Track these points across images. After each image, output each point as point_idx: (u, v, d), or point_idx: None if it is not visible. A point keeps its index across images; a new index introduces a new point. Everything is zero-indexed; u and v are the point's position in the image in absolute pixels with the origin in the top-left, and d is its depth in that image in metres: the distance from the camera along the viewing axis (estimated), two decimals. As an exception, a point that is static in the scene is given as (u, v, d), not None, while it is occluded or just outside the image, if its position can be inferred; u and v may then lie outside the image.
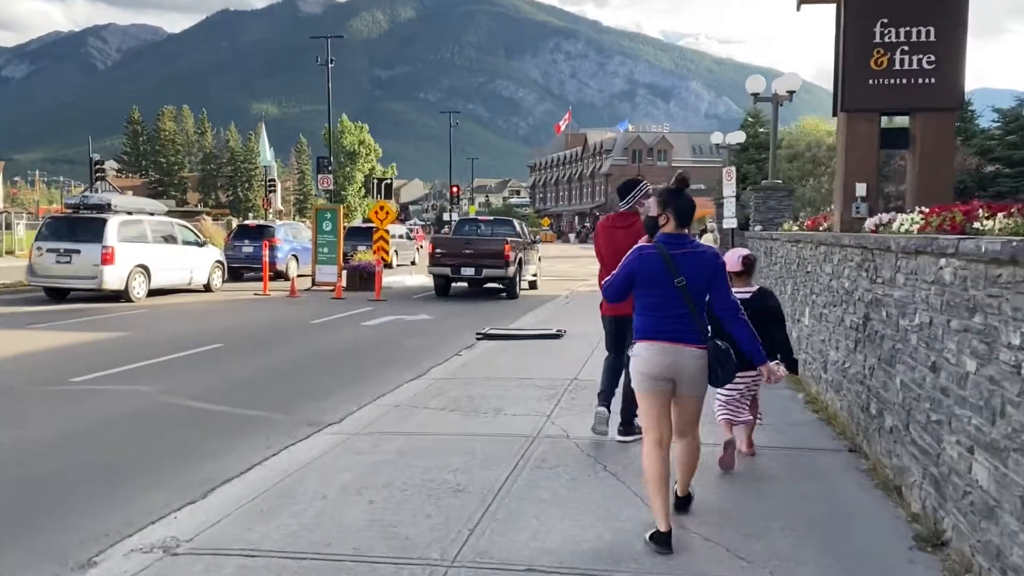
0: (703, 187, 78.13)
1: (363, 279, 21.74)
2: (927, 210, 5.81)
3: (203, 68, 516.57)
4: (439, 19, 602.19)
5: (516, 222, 23.09)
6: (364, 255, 23.56)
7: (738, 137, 22.86)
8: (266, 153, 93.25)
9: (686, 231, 4.28)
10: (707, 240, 20.52)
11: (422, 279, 26.67)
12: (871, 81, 8.23)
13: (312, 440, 6.48)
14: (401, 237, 35.18)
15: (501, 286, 20.01)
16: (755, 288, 5.91)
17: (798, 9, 9.61)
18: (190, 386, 8.97)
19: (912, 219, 6.06)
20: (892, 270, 5.15)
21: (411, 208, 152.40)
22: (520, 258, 20.09)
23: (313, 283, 22.26)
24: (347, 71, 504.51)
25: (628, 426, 6.19)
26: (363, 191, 79.23)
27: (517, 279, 19.93)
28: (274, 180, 51.88)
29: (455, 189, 61.38)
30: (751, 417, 5.81)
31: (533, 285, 22.36)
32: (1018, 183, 20.04)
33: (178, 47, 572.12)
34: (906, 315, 4.82)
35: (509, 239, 19.59)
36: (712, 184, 70.76)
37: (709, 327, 4.28)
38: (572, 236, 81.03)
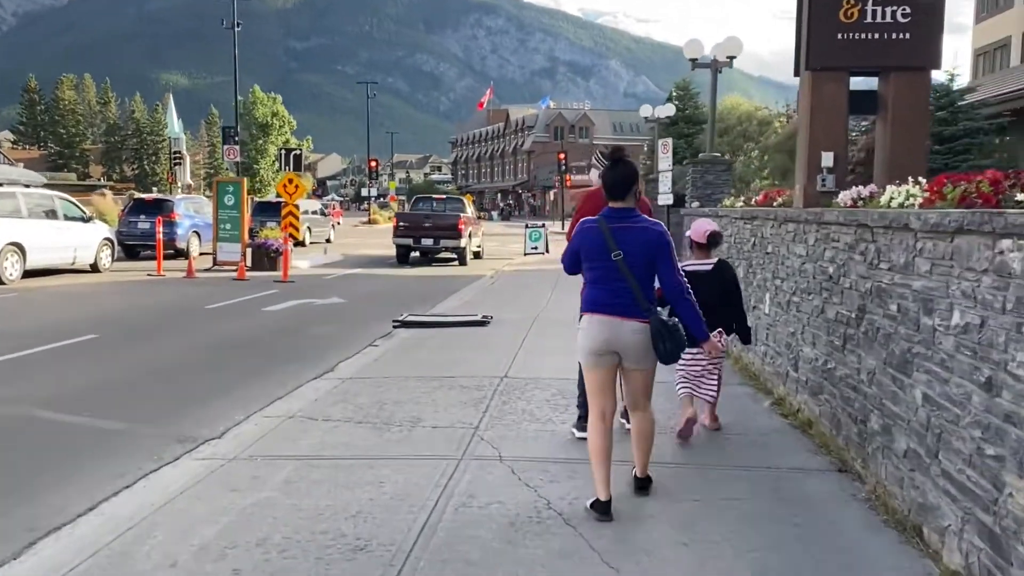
0: (625, 164, 78.10)
1: (270, 258, 20.12)
2: (921, 182, 4.82)
3: (107, 36, 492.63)
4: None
5: (465, 200, 26.04)
6: (272, 232, 21.86)
7: (667, 110, 21.86)
8: (174, 125, 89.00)
9: (632, 205, 4.29)
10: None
11: (336, 257, 25.11)
12: (840, 35, 7.24)
13: (177, 467, 5.13)
14: (315, 213, 33.33)
15: (455, 255, 22.91)
16: (715, 260, 5.88)
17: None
18: (43, 389, 7.47)
19: (908, 191, 5.06)
20: (908, 253, 4.10)
21: (328, 183, 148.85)
22: (470, 231, 23.48)
23: (214, 263, 20.49)
24: (261, 41, 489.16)
25: (585, 420, 5.44)
26: (277, 165, 78.01)
27: (468, 249, 23.11)
28: (179, 152, 49.04)
29: (373, 163, 59.27)
30: (715, 392, 5.77)
31: (478, 255, 25.01)
32: (948, 159, 19.61)
33: (80, 13, 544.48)
34: (934, 312, 3.76)
35: (462, 215, 22.90)
36: (634, 162, 70.41)
37: (656, 302, 4.28)
38: (495, 214, 79.77)
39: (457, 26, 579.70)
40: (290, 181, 21.04)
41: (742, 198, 10.64)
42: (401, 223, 23.47)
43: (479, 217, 30.69)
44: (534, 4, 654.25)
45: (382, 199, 78.71)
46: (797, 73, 7.75)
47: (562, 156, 52.36)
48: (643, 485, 4.49)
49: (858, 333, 4.83)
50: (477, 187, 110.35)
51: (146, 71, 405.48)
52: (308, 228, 31.13)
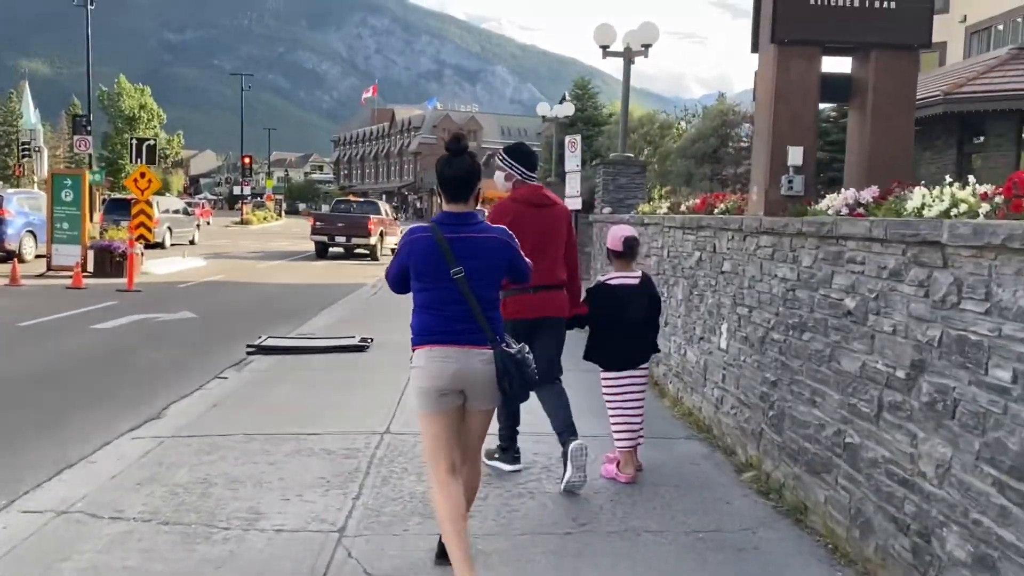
0: (512, 169, 76.88)
1: (115, 263, 17.49)
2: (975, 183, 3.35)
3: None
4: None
5: (382, 204, 29.71)
6: (119, 232, 19.15)
7: (566, 109, 20.34)
8: (29, 115, 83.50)
9: (474, 209, 3.51)
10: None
11: (198, 262, 22.52)
12: (813, 2, 5.80)
13: None
14: (177, 212, 30.31)
15: (367, 251, 25.62)
16: (639, 274, 5.11)
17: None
18: None
19: (954, 195, 3.59)
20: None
21: (202, 181, 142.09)
22: (382, 231, 26.32)
23: (48, 267, 17.68)
24: (133, 32, 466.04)
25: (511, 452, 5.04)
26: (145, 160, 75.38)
27: (379, 246, 25.72)
28: (28, 144, 44.74)
29: (247, 160, 55.80)
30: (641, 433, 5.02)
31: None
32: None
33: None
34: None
35: (372, 216, 26.18)
36: (476, 154, 69.39)
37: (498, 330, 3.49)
38: (378, 215, 77.23)
39: (341, 24, 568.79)
40: (142, 175, 18.47)
41: (665, 204, 9.14)
42: (318, 222, 26.79)
43: (396, 219, 33.10)
44: (420, 6, 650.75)
45: (258, 198, 74.92)
46: (755, 49, 6.26)
47: (450, 157, 50.42)
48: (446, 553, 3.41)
49: (911, 401, 3.27)
50: (361, 188, 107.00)
51: (2, 57, 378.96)
52: (168, 228, 28.24)
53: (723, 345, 5.71)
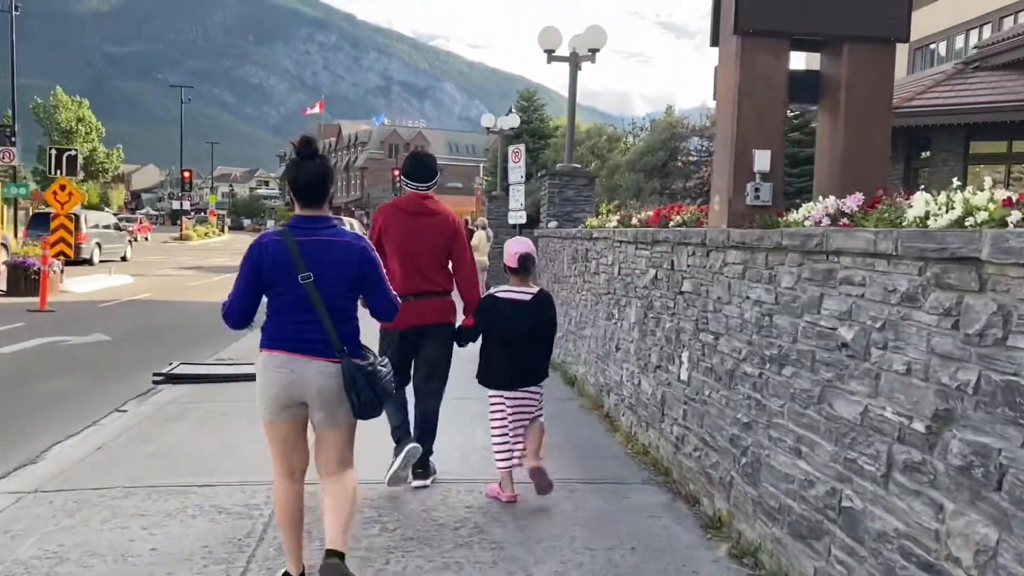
0: (460, 185, 75.89)
1: (30, 281, 16.28)
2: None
3: None
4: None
5: (344, 219, 27.12)
6: (35, 249, 17.89)
7: (511, 121, 19.56)
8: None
9: (328, 213, 3.41)
10: (477, 240, 17.26)
11: (125, 279, 21.30)
12: (781, -12, 5.17)
13: None
14: (108, 227, 28.90)
15: None
16: (536, 290, 4.86)
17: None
18: None
19: (944, 203, 3.01)
20: None
21: (144, 196, 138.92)
22: None
23: (-46, 286, 16.41)
24: (74, 44, 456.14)
25: (425, 467, 4.91)
26: (82, 174, 74.19)
27: None
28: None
29: (187, 174, 54.11)
30: (522, 446, 4.71)
31: None
32: (804, 183, 18.60)
33: None
34: None
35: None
36: (468, 183, 68.34)
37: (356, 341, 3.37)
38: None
39: (288, 40, 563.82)
40: (62, 187, 17.39)
41: (614, 217, 8.44)
42: None
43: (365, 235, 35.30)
44: (368, 23, 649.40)
45: (201, 213, 72.96)
46: (715, 43, 5.60)
47: (396, 172, 49.57)
48: (332, 557, 3.29)
49: (934, 461, 2.57)
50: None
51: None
52: (98, 244, 26.92)
53: (683, 376, 4.99)
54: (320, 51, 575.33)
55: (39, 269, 15.81)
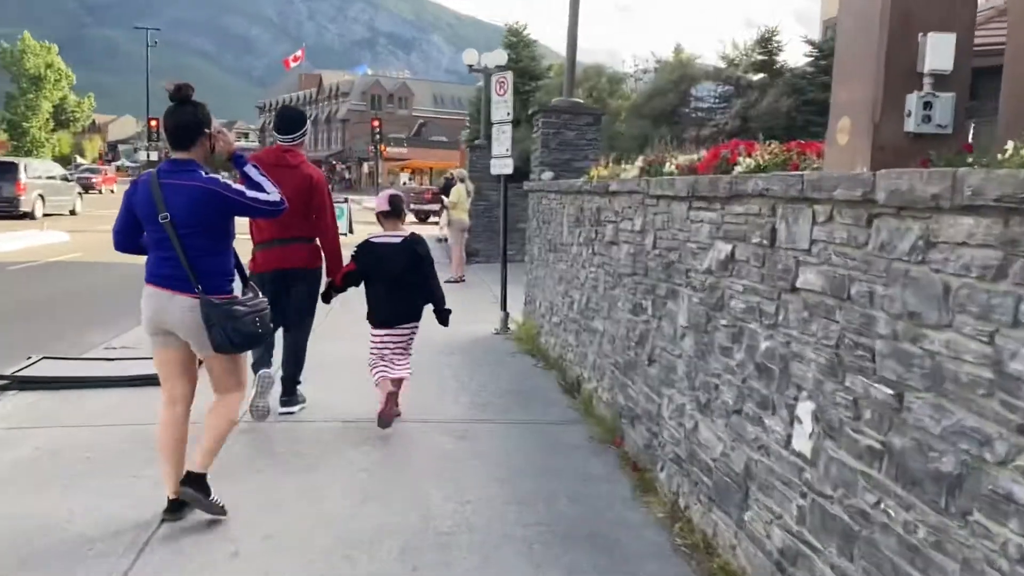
0: (445, 139, 72.72)
1: (-68, 239, 13.91)
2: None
3: None
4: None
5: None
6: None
7: (497, 57, 16.94)
8: (-84, 74, 79.00)
9: (195, 157, 3.68)
10: (456, 196, 14.88)
11: (60, 236, 18.85)
12: None
13: None
14: (53, 178, 26.27)
15: None
16: (407, 233, 5.38)
17: None
18: None
19: None
20: None
21: (120, 148, 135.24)
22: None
23: None
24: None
25: (291, 395, 5.53)
26: (52, 123, 71.99)
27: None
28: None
29: (154, 123, 50.99)
30: (406, 372, 5.37)
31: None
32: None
33: None
34: None
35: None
36: (454, 136, 65.14)
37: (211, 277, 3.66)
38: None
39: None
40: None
41: (638, 162, 6.08)
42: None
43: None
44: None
45: (174, 166, 70.29)
46: None
47: (376, 123, 46.69)
48: (189, 482, 3.63)
49: None
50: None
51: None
52: (40, 196, 24.38)
53: (799, 445, 2.77)
54: (304, 1, 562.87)
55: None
